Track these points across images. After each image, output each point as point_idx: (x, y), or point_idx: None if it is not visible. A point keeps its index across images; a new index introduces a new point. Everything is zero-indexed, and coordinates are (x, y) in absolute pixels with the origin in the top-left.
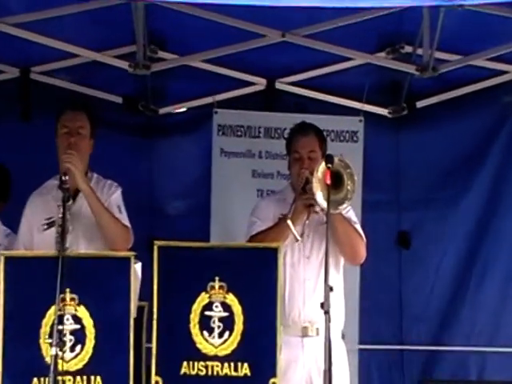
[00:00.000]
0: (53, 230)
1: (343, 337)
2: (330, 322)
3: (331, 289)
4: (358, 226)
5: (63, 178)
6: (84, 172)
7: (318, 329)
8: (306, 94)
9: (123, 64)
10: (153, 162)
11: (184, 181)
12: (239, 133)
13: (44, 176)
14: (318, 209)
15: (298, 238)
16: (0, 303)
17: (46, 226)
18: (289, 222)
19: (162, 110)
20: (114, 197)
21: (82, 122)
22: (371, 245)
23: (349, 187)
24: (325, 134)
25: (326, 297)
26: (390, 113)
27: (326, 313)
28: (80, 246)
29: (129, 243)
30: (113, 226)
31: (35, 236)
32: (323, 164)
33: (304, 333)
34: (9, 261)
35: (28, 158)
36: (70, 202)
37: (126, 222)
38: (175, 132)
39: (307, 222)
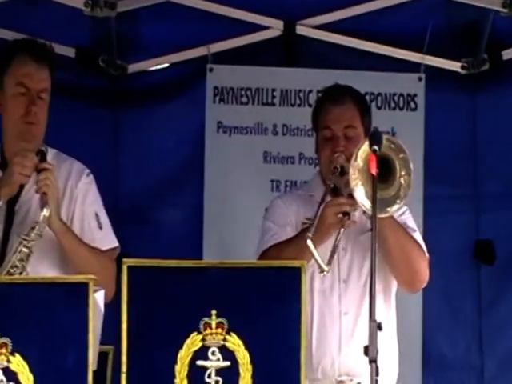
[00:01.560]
0: None
1: None
2: (377, 374)
3: (379, 327)
4: (418, 235)
5: None
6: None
7: None
8: (339, 41)
9: (76, 1)
10: (120, 143)
11: (165, 169)
12: (244, 98)
13: None
14: (356, 216)
15: (324, 267)
16: None
17: None
18: (309, 242)
19: (133, 67)
20: (91, 197)
21: (46, 82)
22: (437, 261)
23: (402, 180)
24: (368, 99)
25: (372, 338)
26: (463, 67)
27: (373, 362)
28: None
29: (113, 283)
30: (93, 265)
31: None
32: (366, 146)
33: None
34: None
35: None
36: (1, 201)
37: (110, 242)
38: (152, 99)
39: (342, 230)
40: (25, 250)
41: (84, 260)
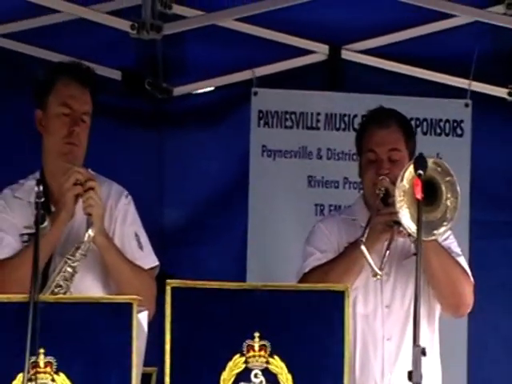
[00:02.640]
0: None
1: None
2: None
3: (423, 352)
4: (463, 260)
5: (37, 189)
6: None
7: None
8: (384, 66)
9: (123, 24)
10: (164, 166)
11: (209, 192)
12: (289, 122)
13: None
14: (401, 240)
15: (377, 271)
16: None
17: (26, 237)
18: (363, 248)
19: (178, 90)
20: (130, 217)
21: (89, 106)
22: (484, 287)
23: (448, 203)
24: (414, 125)
25: (416, 363)
26: (510, 94)
27: None
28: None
29: (153, 302)
30: (134, 283)
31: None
32: (411, 169)
33: None
34: None
35: None
36: (46, 223)
37: (151, 262)
38: (196, 122)
39: (388, 252)
40: (69, 269)
41: (126, 277)
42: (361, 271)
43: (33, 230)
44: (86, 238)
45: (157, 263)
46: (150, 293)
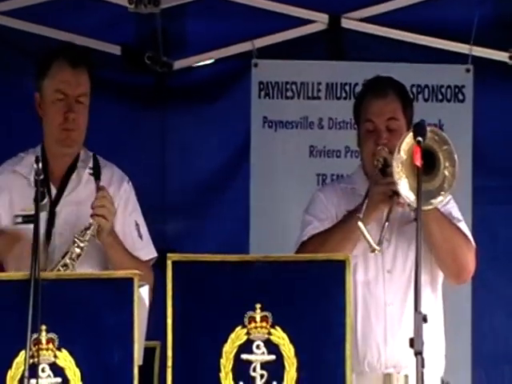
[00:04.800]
0: (31, 230)
1: None
2: (423, 366)
3: (425, 318)
4: (464, 225)
5: (35, 166)
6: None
7: (407, 377)
8: (384, 33)
9: None
10: (166, 140)
11: (211, 165)
12: (290, 93)
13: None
14: (403, 200)
15: (375, 246)
16: None
17: (20, 219)
18: (360, 224)
19: (179, 64)
20: (131, 205)
21: (84, 86)
22: (487, 253)
23: (446, 172)
24: (415, 92)
25: (418, 330)
26: (511, 57)
27: (418, 354)
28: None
29: (151, 287)
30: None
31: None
32: (409, 138)
33: (387, 383)
34: None
35: None
36: (46, 200)
37: (150, 253)
38: (197, 95)
39: (387, 224)
40: (77, 250)
41: (125, 268)
42: (358, 240)
43: (28, 212)
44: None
45: (155, 255)
46: (147, 283)
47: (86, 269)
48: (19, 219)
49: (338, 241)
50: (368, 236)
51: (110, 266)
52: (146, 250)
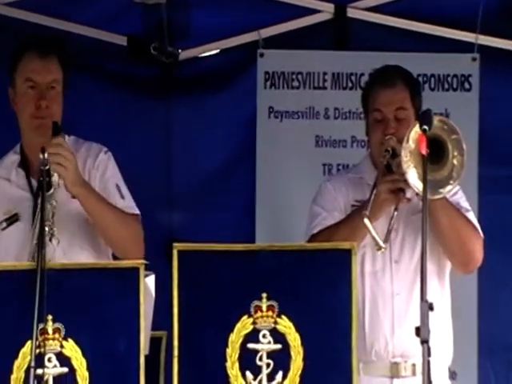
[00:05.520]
0: (17, 227)
1: (453, 376)
2: (429, 355)
3: (431, 307)
4: (472, 215)
5: (41, 156)
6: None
7: (414, 365)
8: (390, 23)
9: None
10: (171, 130)
11: (217, 156)
12: (296, 83)
13: None
14: (409, 194)
15: (382, 244)
16: None
17: (4, 224)
18: (366, 221)
19: (185, 54)
20: (110, 171)
21: (55, 73)
22: (493, 241)
23: (455, 161)
24: (421, 81)
25: (424, 319)
26: None
27: (424, 342)
28: (62, 257)
29: (142, 246)
30: (121, 228)
31: None
32: (416, 128)
33: (394, 372)
34: None
35: None
36: (52, 190)
37: (134, 209)
38: (203, 86)
39: (393, 221)
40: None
41: (111, 222)
42: (365, 236)
43: (11, 213)
44: (51, 191)
45: (138, 212)
46: (137, 236)
47: (75, 249)
48: (4, 224)
49: (345, 237)
50: (374, 234)
51: (98, 230)
52: (129, 208)
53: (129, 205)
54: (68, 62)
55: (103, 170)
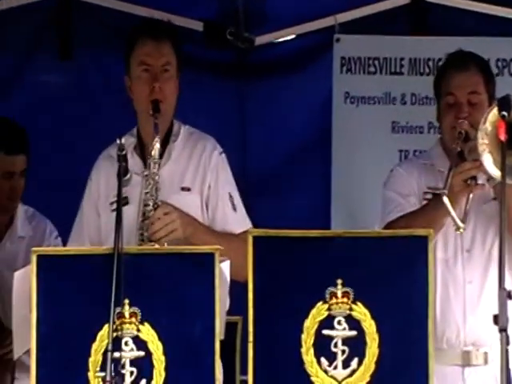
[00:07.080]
0: (127, 209)
1: None
2: (508, 344)
3: (509, 295)
4: None
5: (118, 141)
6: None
7: (486, 354)
8: (469, 7)
9: None
10: (247, 115)
11: (292, 141)
12: (372, 68)
13: (96, 137)
14: (481, 180)
15: (460, 224)
16: (33, 322)
17: (115, 206)
18: (445, 199)
19: (260, 39)
20: (224, 176)
21: (168, 56)
22: None
23: None
24: (500, 66)
25: (502, 307)
26: None
27: (503, 330)
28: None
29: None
30: (228, 254)
31: (102, 218)
32: (495, 111)
33: (466, 360)
34: (43, 261)
35: (72, 111)
36: (129, 175)
37: (244, 223)
38: (279, 71)
39: (468, 206)
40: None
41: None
42: (442, 227)
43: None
44: None
45: (249, 226)
46: (241, 255)
47: None
48: (114, 206)
49: (422, 227)
50: (453, 213)
51: None
52: (239, 224)
53: (240, 219)
54: (181, 48)
55: (217, 175)
